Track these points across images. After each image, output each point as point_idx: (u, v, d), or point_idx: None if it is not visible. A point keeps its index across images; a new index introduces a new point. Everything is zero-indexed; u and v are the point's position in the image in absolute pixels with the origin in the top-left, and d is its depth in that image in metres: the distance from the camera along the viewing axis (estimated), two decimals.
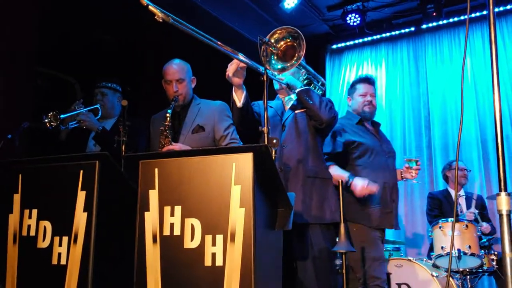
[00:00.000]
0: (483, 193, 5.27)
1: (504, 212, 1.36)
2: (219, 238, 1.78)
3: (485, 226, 4.43)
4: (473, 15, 5.41)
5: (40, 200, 2.04)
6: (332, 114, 2.74)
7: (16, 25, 3.56)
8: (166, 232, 1.84)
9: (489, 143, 5.39)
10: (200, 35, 2.10)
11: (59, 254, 1.94)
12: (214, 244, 1.78)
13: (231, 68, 2.45)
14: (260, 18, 5.34)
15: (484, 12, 5.46)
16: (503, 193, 1.38)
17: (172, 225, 1.84)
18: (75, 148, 3.15)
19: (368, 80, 3.24)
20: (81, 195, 1.97)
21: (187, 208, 1.84)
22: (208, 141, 2.86)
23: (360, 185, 2.83)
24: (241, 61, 2.36)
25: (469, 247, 3.76)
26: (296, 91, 2.74)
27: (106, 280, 1.95)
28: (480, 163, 5.49)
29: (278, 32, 2.44)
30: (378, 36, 6.28)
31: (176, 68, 2.91)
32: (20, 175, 2.10)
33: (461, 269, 3.86)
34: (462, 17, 5.64)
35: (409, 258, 3.71)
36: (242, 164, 1.82)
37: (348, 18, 5.78)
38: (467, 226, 3.88)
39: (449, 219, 3.97)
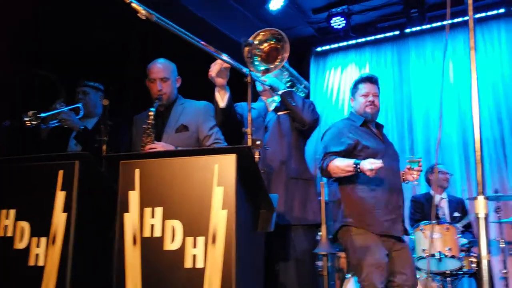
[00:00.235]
0: (465, 196, 5.34)
1: (481, 216, 1.38)
2: (200, 240, 1.77)
3: (458, 226, 4.44)
4: (456, 20, 5.49)
5: (18, 200, 2.00)
6: (314, 116, 2.76)
7: None
8: (146, 233, 1.83)
9: (471, 147, 5.46)
10: (184, 34, 2.08)
11: (37, 255, 1.91)
12: (195, 246, 1.77)
13: (214, 68, 2.44)
14: (245, 19, 5.34)
15: (466, 18, 5.53)
16: (480, 197, 1.40)
17: (152, 226, 1.83)
18: (56, 147, 3.11)
19: (370, 79, 3.08)
20: (61, 196, 1.94)
21: (168, 209, 1.82)
22: (191, 140, 2.84)
23: (368, 164, 2.64)
24: (225, 61, 2.35)
25: (450, 249, 3.80)
26: (279, 93, 2.74)
27: (84, 282, 1.92)
28: (462, 166, 5.56)
29: (261, 33, 2.44)
30: (363, 40, 6.33)
31: (161, 67, 2.89)
32: None
33: (441, 271, 3.91)
34: (445, 22, 5.71)
35: None
36: (225, 166, 1.81)
37: (333, 21, 5.81)
38: (448, 228, 3.92)
39: (431, 222, 4.01)
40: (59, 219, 1.91)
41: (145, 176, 1.87)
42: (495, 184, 5.15)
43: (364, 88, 3.06)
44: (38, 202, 1.96)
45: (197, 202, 1.80)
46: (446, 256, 3.76)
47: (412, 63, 6.11)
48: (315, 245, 2.64)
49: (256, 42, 2.42)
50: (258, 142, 2.25)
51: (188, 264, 1.76)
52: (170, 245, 1.80)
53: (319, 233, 2.71)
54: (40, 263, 1.89)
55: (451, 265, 3.89)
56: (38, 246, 1.92)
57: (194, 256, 1.76)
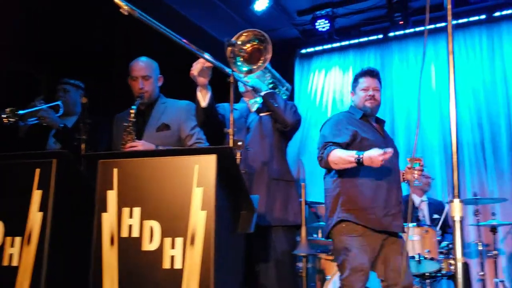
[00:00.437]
0: (445, 199, 5.40)
1: (457, 218, 1.40)
2: (179, 240, 1.76)
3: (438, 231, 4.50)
4: (438, 25, 5.55)
5: None
6: (296, 118, 2.76)
7: None
8: (124, 233, 1.81)
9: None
10: (166, 32, 2.07)
11: (11, 255, 1.87)
12: (173, 247, 1.76)
13: (196, 67, 2.43)
14: (230, 19, 5.33)
15: (454, 22, 5.60)
16: (456, 200, 1.42)
17: (130, 226, 1.81)
18: (35, 145, 3.06)
19: (371, 73, 3.00)
20: (37, 194, 1.91)
21: (146, 209, 1.81)
22: (173, 140, 2.83)
23: (375, 154, 2.56)
24: (207, 60, 2.34)
25: (429, 251, 3.84)
26: (262, 94, 2.74)
27: (60, 282, 1.89)
28: (443, 170, 5.63)
29: (244, 34, 2.43)
30: (347, 42, 6.36)
31: (143, 65, 2.89)
32: None
33: (420, 273, 3.94)
34: (427, 27, 5.78)
35: None
36: (205, 166, 1.80)
37: (317, 24, 5.83)
38: (427, 231, 3.96)
39: (410, 224, 4.05)
40: (35, 218, 1.88)
41: (123, 176, 1.85)
42: (475, 187, 5.23)
43: (364, 82, 3.00)
44: (13, 201, 1.93)
45: (176, 202, 1.78)
46: (425, 258, 3.79)
47: (395, 66, 6.16)
48: (295, 247, 2.64)
49: (239, 42, 2.41)
50: (239, 143, 2.25)
51: (166, 265, 1.75)
52: (148, 246, 1.78)
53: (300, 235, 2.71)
54: (14, 263, 1.86)
55: (430, 267, 3.93)
56: (12, 245, 1.88)
57: (172, 257, 1.75)
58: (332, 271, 3.86)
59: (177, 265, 1.74)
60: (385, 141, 2.97)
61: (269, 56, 2.39)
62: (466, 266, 4.82)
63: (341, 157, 2.69)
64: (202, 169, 1.79)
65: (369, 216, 2.71)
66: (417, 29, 5.84)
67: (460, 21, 5.69)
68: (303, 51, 6.66)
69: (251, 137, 2.76)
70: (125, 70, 2.94)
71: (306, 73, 6.70)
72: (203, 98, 2.57)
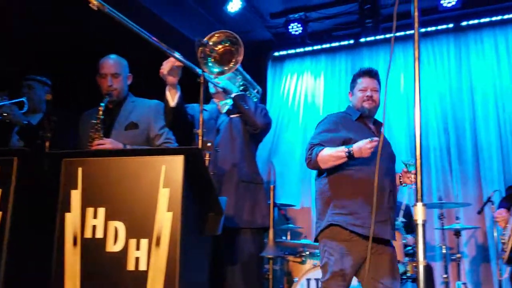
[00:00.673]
0: (412, 202, 5.50)
1: (420, 222, 1.43)
2: (144, 242, 1.74)
3: (410, 238, 4.61)
4: (408, 32, 5.66)
5: None
6: (266, 121, 2.77)
7: None
8: (88, 234, 1.77)
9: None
10: (136, 29, 2.04)
11: None
12: (138, 248, 1.74)
13: (166, 66, 2.41)
14: (203, 19, 5.30)
15: (424, 30, 5.74)
16: (419, 204, 1.45)
17: (94, 227, 1.78)
18: None
19: (370, 73, 2.92)
20: None
21: (111, 210, 1.78)
22: (141, 139, 2.80)
23: (363, 143, 2.52)
24: (178, 59, 2.32)
25: None
26: (232, 96, 2.73)
27: (20, 284, 1.83)
28: None
29: (216, 35, 2.42)
30: (319, 47, 6.42)
31: (113, 63, 2.86)
32: None
33: None
34: (397, 34, 5.89)
35: None
36: (173, 167, 1.78)
37: (290, 27, 5.86)
38: None
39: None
40: None
41: (88, 175, 1.81)
42: (440, 191, 5.35)
43: (362, 82, 2.91)
44: None
45: (142, 203, 1.76)
46: None
47: None
48: (263, 249, 2.64)
49: (210, 43, 2.40)
50: (209, 144, 2.23)
51: (130, 266, 1.73)
52: (113, 247, 1.75)
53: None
54: None
55: None
56: None
57: (137, 258, 1.73)
58: (300, 273, 3.88)
59: (142, 266, 1.72)
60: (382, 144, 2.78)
61: (240, 58, 2.39)
62: (429, 269, 4.96)
63: (331, 154, 2.62)
64: (169, 170, 1.77)
65: (358, 222, 2.61)
66: (387, 35, 5.95)
67: (429, 29, 5.82)
68: (276, 53, 6.68)
69: (221, 138, 2.75)
70: (93, 68, 2.89)
71: (279, 75, 6.73)
72: (172, 97, 2.54)
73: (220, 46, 2.44)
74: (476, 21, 5.62)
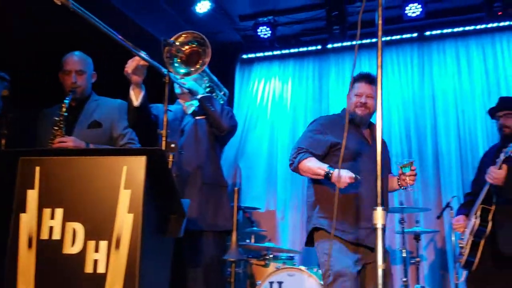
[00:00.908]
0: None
1: (379, 226, 1.46)
2: (103, 244, 1.70)
3: None
4: (373, 40, 5.76)
5: None
6: (232, 123, 2.77)
7: None
8: (44, 236, 1.72)
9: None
10: (101, 26, 2.00)
11: None
12: (97, 250, 1.70)
13: (131, 65, 2.37)
14: (171, 18, 5.24)
15: (388, 38, 5.86)
16: (379, 208, 1.48)
17: (51, 228, 1.72)
18: None
19: (367, 79, 2.81)
20: None
21: (69, 211, 1.73)
22: (104, 138, 2.76)
23: (343, 175, 2.47)
24: (143, 58, 2.28)
25: None
26: (198, 97, 2.72)
27: None
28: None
29: (183, 35, 2.40)
30: (287, 51, 6.46)
31: (77, 59, 2.82)
32: None
33: None
34: (364, 41, 5.99)
35: (300, 267, 3.83)
36: (134, 168, 1.75)
37: (259, 30, 5.88)
38: None
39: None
40: None
41: (46, 174, 1.76)
42: (401, 196, 5.46)
43: (359, 87, 2.82)
44: None
45: (102, 204, 1.72)
46: None
47: (332, 78, 6.32)
48: (225, 252, 2.63)
49: (177, 43, 2.38)
50: (172, 145, 2.21)
51: (88, 269, 1.69)
52: (70, 249, 1.71)
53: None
54: None
55: None
56: None
57: (96, 261, 1.69)
58: (263, 276, 3.89)
59: (101, 269, 1.68)
60: (371, 149, 2.75)
61: (207, 59, 2.38)
62: (385, 272, 5.06)
63: (311, 168, 2.62)
64: (131, 171, 1.74)
65: (345, 228, 2.59)
66: (354, 42, 6.04)
67: (394, 37, 5.95)
68: (245, 56, 6.69)
69: (185, 140, 2.73)
70: (55, 65, 2.81)
71: (247, 77, 6.73)
72: (136, 97, 2.50)
73: (187, 47, 2.42)
74: (439, 32, 5.78)
